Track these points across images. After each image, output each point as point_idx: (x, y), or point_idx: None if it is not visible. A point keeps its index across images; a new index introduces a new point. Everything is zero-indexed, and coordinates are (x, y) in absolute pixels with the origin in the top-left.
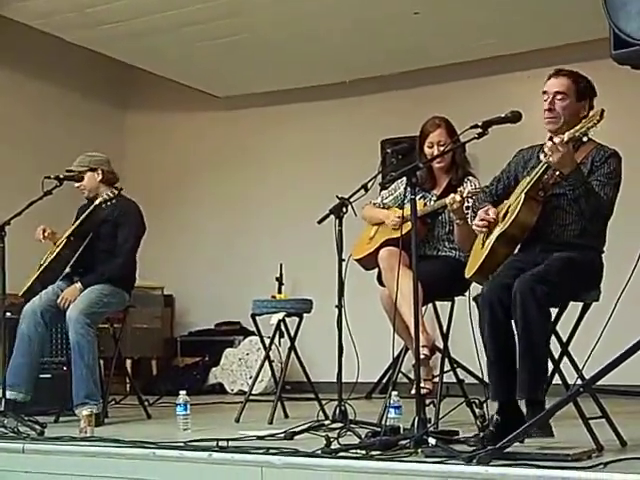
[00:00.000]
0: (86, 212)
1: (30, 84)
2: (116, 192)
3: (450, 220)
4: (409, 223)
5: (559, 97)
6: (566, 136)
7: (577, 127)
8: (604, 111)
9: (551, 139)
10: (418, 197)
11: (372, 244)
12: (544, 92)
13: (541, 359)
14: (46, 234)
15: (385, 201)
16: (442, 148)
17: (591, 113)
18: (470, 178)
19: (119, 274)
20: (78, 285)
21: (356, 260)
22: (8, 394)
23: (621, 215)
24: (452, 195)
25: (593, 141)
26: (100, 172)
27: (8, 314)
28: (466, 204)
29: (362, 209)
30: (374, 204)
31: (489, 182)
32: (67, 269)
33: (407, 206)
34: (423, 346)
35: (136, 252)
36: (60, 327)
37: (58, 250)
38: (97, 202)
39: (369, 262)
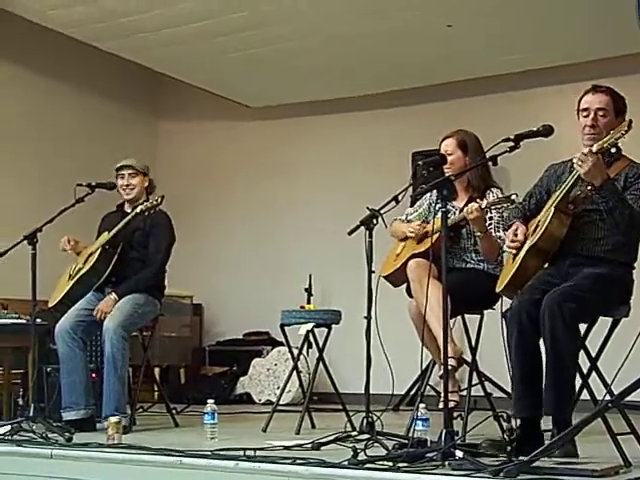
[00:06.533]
0: (127, 219)
1: (68, 91)
2: (159, 200)
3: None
4: (431, 237)
5: (601, 113)
6: (595, 147)
7: (606, 138)
8: (632, 122)
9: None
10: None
11: (399, 260)
12: (585, 109)
13: (568, 376)
14: (71, 244)
15: (410, 217)
16: (450, 158)
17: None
18: (492, 189)
19: (153, 283)
20: (113, 296)
21: (384, 277)
22: (66, 416)
23: None
24: (470, 204)
25: (626, 158)
26: (148, 179)
27: (38, 320)
28: (489, 214)
29: (390, 226)
30: (400, 220)
31: (522, 198)
32: (100, 281)
33: (432, 221)
34: (450, 357)
35: (167, 261)
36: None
37: (94, 262)
38: (138, 210)
39: (397, 278)
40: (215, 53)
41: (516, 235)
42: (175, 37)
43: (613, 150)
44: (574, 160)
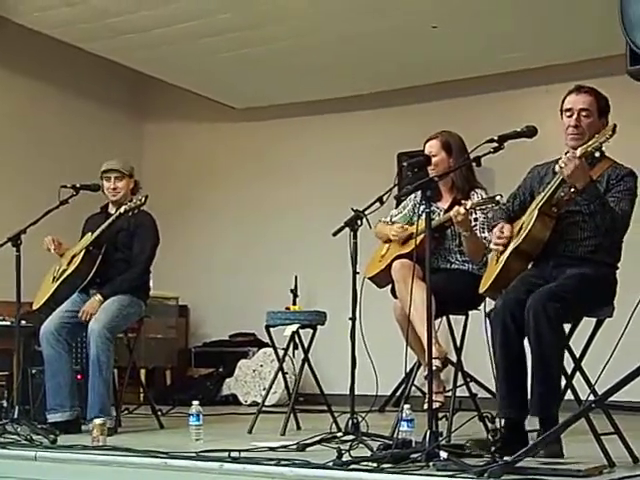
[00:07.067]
0: (110, 219)
1: (52, 93)
2: (143, 200)
3: (459, 232)
4: (415, 239)
5: (584, 114)
6: (579, 151)
7: (590, 142)
8: (616, 126)
9: (566, 154)
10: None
11: (384, 261)
12: (568, 109)
13: (554, 376)
14: (55, 244)
15: (394, 219)
16: (434, 159)
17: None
18: (477, 190)
19: (137, 284)
20: (98, 297)
21: (369, 278)
22: (51, 418)
23: (635, 232)
24: (456, 208)
25: (609, 159)
26: (134, 181)
27: (23, 322)
28: (474, 215)
29: (375, 227)
30: (384, 222)
31: (506, 199)
32: (84, 283)
33: (416, 222)
34: (435, 358)
35: (152, 262)
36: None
37: (78, 263)
38: (122, 210)
39: (382, 279)
40: (201, 54)
41: (502, 232)
42: (164, 38)
43: (597, 154)
44: (559, 163)
